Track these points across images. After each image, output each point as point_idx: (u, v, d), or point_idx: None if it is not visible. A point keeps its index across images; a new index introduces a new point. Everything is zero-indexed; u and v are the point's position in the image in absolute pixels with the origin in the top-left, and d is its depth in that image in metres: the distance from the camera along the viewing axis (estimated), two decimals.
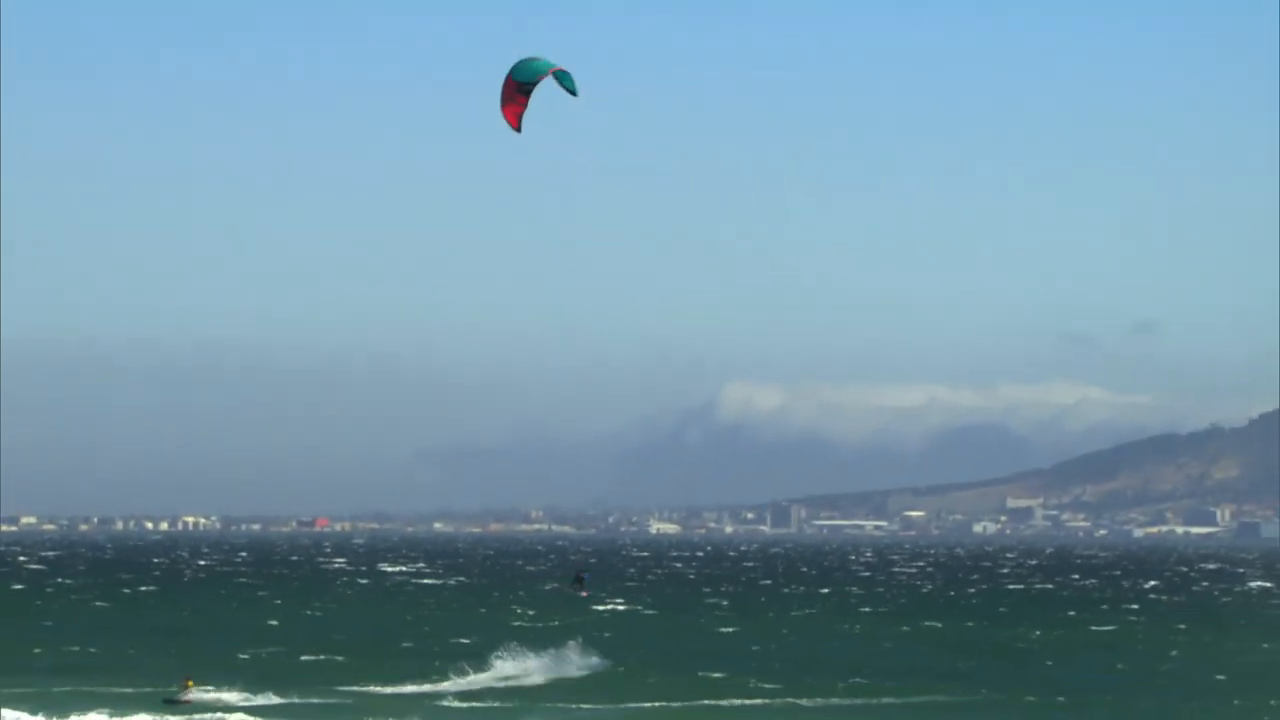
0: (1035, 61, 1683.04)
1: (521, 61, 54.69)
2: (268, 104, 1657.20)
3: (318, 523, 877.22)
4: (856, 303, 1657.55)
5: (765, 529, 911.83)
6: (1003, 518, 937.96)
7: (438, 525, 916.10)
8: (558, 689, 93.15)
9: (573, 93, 54.57)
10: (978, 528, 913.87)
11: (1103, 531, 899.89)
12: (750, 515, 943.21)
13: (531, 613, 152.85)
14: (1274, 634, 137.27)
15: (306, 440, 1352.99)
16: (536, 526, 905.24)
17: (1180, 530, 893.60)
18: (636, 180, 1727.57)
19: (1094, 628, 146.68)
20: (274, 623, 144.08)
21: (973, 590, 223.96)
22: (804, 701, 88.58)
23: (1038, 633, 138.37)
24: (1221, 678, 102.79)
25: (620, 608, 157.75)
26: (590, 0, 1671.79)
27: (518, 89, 54.80)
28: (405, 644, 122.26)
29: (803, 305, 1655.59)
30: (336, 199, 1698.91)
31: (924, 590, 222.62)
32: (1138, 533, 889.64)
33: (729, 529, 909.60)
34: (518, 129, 54.91)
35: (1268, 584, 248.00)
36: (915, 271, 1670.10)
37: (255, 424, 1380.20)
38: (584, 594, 72.09)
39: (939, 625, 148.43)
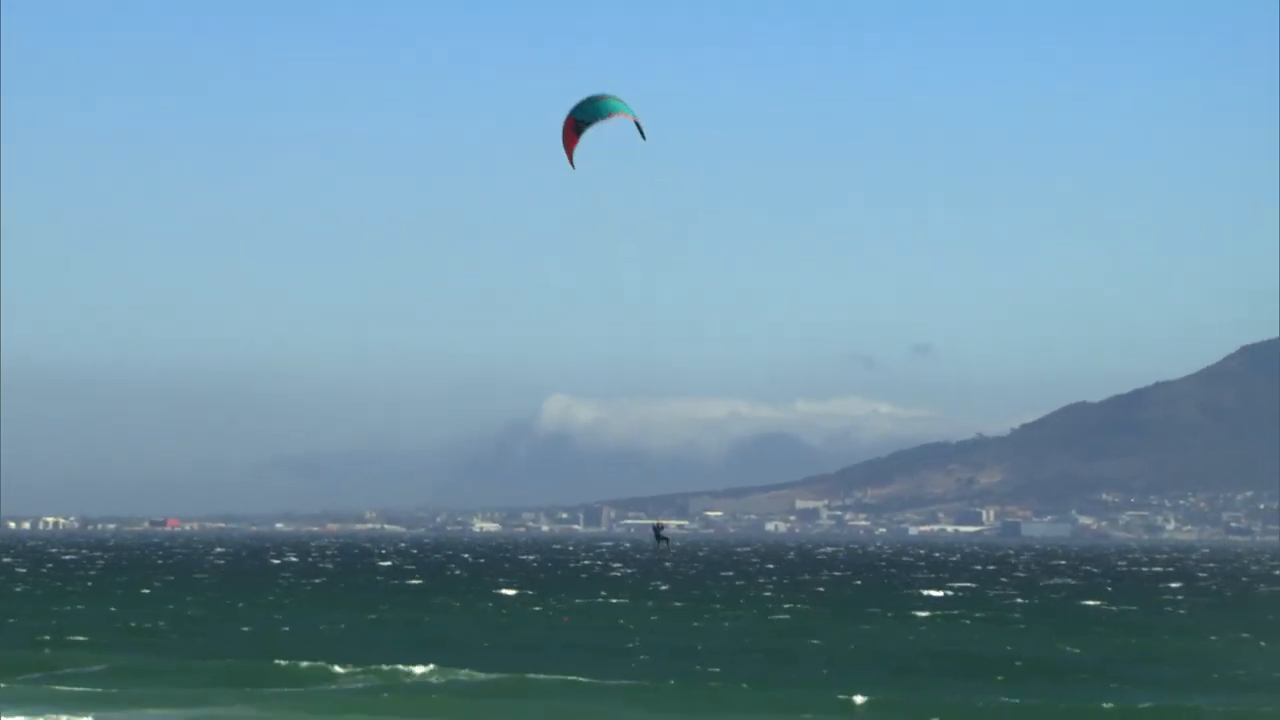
0: (824, 102, 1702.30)
1: (587, 100, 48.96)
2: (105, 120, 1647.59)
3: (169, 523, 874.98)
4: (667, 325, 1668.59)
5: (579, 528, 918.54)
6: (792, 517, 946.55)
7: (279, 525, 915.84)
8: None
9: (641, 134, 48.38)
10: (769, 526, 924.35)
11: (882, 530, 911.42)
12: (565, 516, 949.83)
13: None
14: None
15: (163, 448, 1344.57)
16: (370, 526, 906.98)
17: (950, 529, 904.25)
18: (466, 208, 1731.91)
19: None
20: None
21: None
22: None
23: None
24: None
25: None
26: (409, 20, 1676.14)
27: (575, 126, 49.66)
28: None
29: (619, 327, 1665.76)
30: (192, 220, 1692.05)
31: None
32: (912, 531, 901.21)
33: (545, 528, 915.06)
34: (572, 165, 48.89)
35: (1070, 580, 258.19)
36: (720, 297, 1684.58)
37: (116, 432, 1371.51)
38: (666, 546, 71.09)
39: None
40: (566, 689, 77.17)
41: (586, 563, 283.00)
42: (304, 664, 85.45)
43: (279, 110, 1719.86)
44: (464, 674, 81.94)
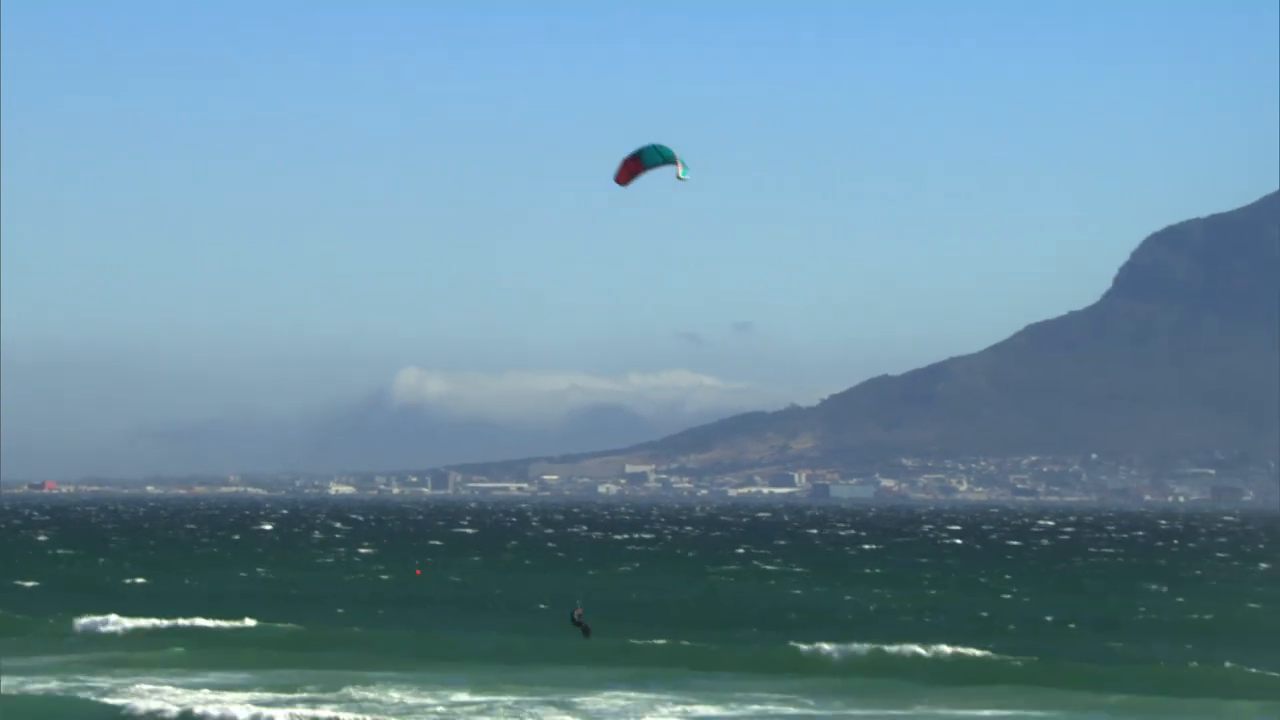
0: (649, 87, 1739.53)
1: (652, 147, 47.22)
2: None
3: (46, 485, 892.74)
4: (512, 305, 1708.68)
5: (427, 491, 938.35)
6: (622, 480, 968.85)
7: (149, 488, 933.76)
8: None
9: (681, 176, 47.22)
10: (601, 489, 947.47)
11: (704, 491, 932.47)
12: (414, 479, 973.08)
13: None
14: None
15: (35, 416, 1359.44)
16: (234, 489, 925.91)
17: (766, 491, 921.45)
18: (325, 189, 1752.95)
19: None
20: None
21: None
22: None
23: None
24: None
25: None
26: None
27: (633, 159, 47.53)
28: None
29: (469, 304, 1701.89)
30: (61, 196, 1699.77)
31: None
32: (731, 492, 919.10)
33: (396, 491, 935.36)
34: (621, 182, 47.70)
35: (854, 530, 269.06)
36: (561, 279, 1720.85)
37: None
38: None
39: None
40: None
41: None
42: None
43: (146, 87, 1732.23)
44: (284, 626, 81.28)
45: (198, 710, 54.11)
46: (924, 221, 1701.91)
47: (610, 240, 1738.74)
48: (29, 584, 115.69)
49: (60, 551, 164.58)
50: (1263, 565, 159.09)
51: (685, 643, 74.90)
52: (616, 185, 47.45)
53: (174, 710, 53.93)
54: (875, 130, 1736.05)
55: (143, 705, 55.08)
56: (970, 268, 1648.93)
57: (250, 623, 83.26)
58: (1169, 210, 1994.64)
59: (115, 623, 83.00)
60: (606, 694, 61.06)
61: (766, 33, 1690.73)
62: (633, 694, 60.87)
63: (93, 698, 57.43)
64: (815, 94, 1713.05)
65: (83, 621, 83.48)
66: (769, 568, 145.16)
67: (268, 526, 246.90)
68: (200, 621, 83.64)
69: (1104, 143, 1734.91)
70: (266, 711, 53.48)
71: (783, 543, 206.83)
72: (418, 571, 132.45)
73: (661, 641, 74.78)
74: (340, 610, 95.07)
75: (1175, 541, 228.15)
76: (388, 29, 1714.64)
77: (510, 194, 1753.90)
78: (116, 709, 54.61)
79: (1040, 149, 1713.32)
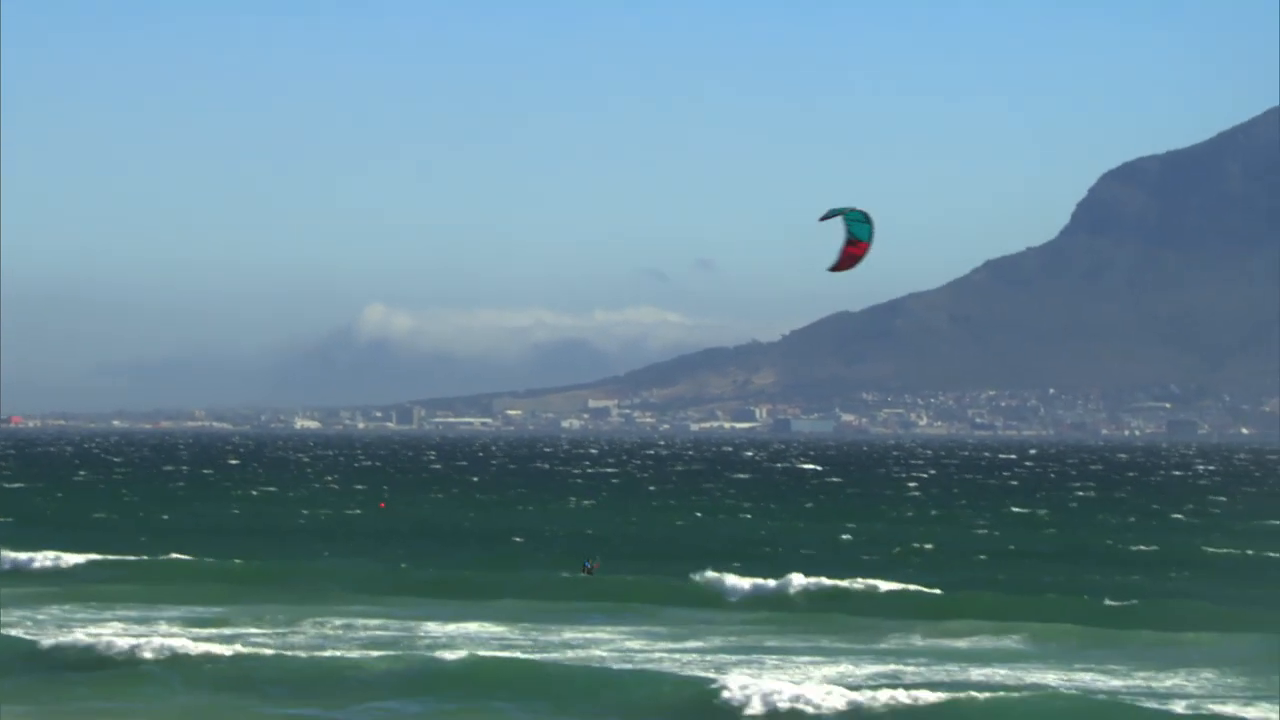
0: (597, 27, 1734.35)
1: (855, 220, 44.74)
2: None
3: (12, 420, 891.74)
4: (477, 240, 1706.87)
5: (392, 425, 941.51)
6: (585, 415, 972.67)
7: (115, 423, 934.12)
8: None
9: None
10: (565, 424, 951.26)
11: (666, 426, 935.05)
12: (379, 414, 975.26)
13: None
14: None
15: (3, 351, 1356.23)
16: (200, 423, 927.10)
17: (727, 425, 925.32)
18: (291, 123, 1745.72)
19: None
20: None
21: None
22: None
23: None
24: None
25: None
26: None
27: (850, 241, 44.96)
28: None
29: (435, 241, 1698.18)
30: (19, 130, 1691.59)
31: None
32: (693, 427, 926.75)
33: (361, 425, 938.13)
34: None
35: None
36: (526, 213, 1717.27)
37: None
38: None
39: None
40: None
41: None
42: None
43: (102, 22, 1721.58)
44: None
45: (131, 644, 50.72)
46: (882, 158, 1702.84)
47: (574, 177, 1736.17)
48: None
49: (17, 485, 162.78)
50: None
51: (659, 578, 74.09)
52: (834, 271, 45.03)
53: (122, 645, 50.63)
54: (833, 68, 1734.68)
55: (84, 639, 51.58)
56: (928, 204, 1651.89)
57: (206, 560, 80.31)
58: (1125, 147, 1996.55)
59: (57, 558, 77.77)
60: (582, 627, 60.53)
61: None
62: (609, 628, 60.17)
63: (23, 635, 53.59)
64: (772, 31, 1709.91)
65: (16, 556, 78.11)
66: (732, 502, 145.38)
67: (234, 461, 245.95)
68: (157, 556, 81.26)
69: (1061, 80, 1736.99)
70: (214, 648, 50.34)
71: (744, 476, 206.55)
72: (382, 505, 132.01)
73: (630, 577, 74.15)
74: (305, 543, 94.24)
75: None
76: None
77: (473, 129, 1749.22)
78: (53, 647, 50.94)
79: (997, 86, 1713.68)
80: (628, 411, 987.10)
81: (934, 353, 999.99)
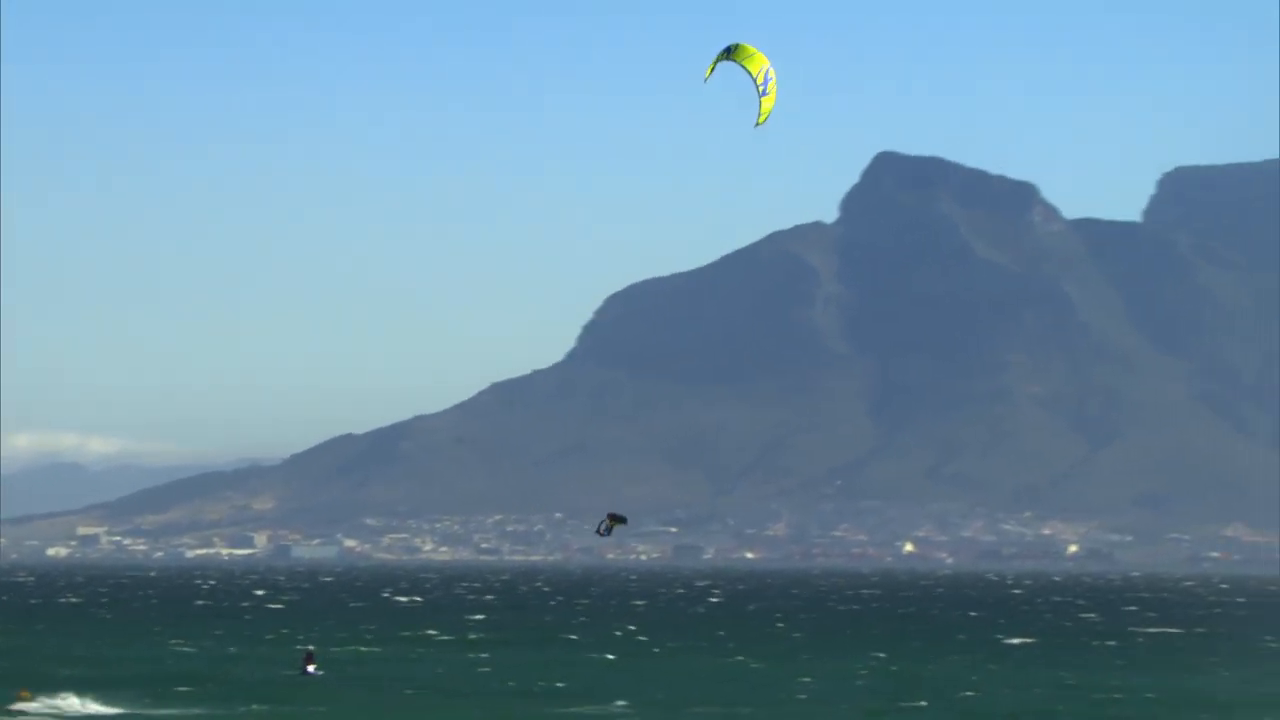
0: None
1: None
2: None
3: None
4: None
5: None
6: (73, 542, 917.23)
7: None
8: None
9: None
10: (51, 551, 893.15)
11: (160, 554, 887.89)
12: None
13: None
14: None
15: None
16: None
17: (225, 553, 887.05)
18: None
19: None
20: None
21: None
22: None
23: None
24: None
25: None
26: None
27: None
28: None
29: None
30: None
31: None
32: (189, 554, 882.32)
33: None
34: None
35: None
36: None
37: None
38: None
39: None
40: None
41: None
42: None
43: None
44: None
45: None
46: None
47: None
48: None
49: None
50: None
51: None
52: None
53: None
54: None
55: None
56: (436, 329, 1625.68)
57: None
58: (631, 271, 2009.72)
59: None
60: None
61: None
62: None
63: None
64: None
65: None
66: None
67: None
68: None
69: (570, 205, 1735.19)
70: None
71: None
72: None
73: None
74: None
75: None
76: None
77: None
78: None
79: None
80: (119, 539, 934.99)
81: (440, 476, 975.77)
